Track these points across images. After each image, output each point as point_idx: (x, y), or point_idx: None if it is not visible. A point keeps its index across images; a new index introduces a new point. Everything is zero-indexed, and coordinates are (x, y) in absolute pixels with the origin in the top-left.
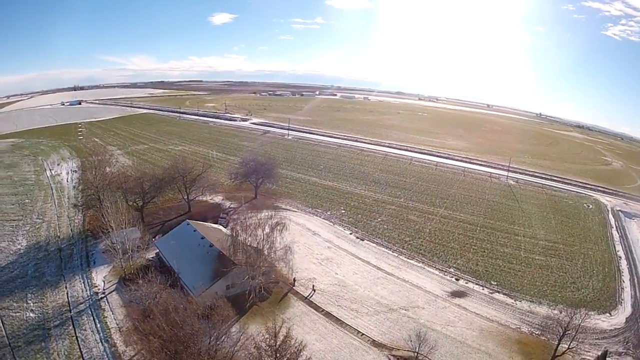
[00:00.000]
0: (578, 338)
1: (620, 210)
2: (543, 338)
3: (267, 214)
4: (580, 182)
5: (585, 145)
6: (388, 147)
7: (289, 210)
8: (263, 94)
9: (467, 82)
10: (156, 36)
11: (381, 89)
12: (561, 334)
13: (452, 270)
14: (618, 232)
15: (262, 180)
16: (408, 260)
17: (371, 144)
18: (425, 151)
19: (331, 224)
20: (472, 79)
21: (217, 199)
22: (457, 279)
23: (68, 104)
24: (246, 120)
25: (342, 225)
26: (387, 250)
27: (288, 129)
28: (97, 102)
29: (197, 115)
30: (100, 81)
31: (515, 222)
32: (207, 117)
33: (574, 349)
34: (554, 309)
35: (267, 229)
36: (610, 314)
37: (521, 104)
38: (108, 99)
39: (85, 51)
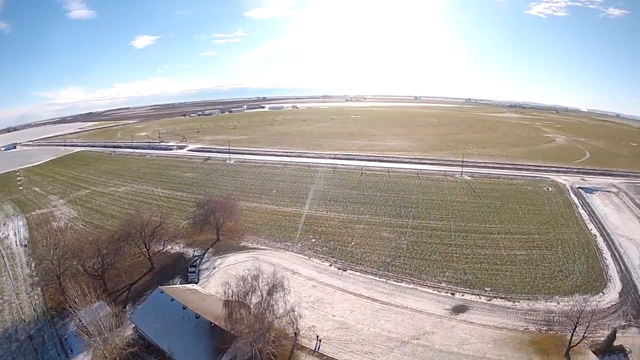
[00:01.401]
0: (591, 327)
1: (579, 187)
2: (552, 332)
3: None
4: (532, 165)
5: (523, 125)
6: (334, 158)
7: (258, 249)
8: (193, 115)
9: (391, 76)
10: (82, 66)
11: (307, 94)
12: (574, 325)
13: (445, 285)
14: (585, 210)
15: (223, 219)
16: (398, 283)
17: (315, 157)
18: (372, 157)
19: (307, 257)
20: (395, 73)
21: (178, 247)
22: (452, 294)
23: (4, 148)
24: (183, 148)
25: (318, 257)
26: (373, 277)
27: (229, 152)
28: (31, 143)
29: (132, 147)
30: (33, 119)
31: (485, 219)
32: (143, 148)
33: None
34: (551, 302)
35: (264, 294)
36: (602, 292)
37: (448, 91)
38: (41, 139)
39: (17, 89)
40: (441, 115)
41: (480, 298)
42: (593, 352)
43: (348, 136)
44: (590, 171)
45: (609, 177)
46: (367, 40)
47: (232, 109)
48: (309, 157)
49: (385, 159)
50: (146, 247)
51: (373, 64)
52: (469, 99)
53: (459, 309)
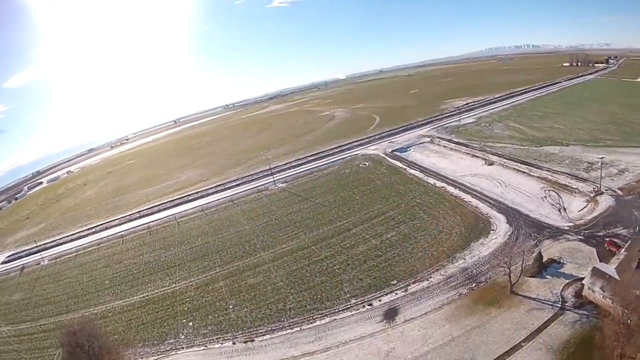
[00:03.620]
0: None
1: (393, 150)
2: (483, 284)
3: None
4: (334, 148)
5: (295, 112)
6: (140, 217)
7: None
8: None
9: (146, 108)
10: None
11: (73, 154)
12: (509, 266)
13: (355, 300)
14: (414, 169)
15: (93, 352)
16: (315, 324)
17: (122, 222)
18: (177, 201)
19: (204, 347)
20: (149, 103)
21: None
22: (370, 304)
23: None
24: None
25: (213, 340)
26: (286, 332)
27: (38, 251)
28: None
29: None
30: None
31: (331, 219)
32: None
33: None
34: (457, 261)
35: None
36: (493, 229)
37: (204, 104)
38: None
39: None
40: (211, 131)
41: (397, 294)
42: (531, 277)
43: (138, 186)
44: (392, 132)
45: (413, 130)
46: (115, 78)
47: (16, 196)
48: (115, 225)
49: (189, 197)
50: None
51: (125, 101)
52: (227, 105)
53: (391, 314)
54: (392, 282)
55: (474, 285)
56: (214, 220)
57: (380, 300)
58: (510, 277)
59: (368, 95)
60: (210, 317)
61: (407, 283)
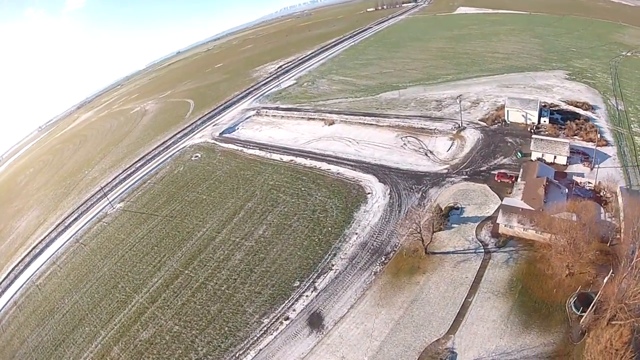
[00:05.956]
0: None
1: (221, 133)
2: (393, 253)
3: None
4: (157, 147)
5: (104, 117)
6: (2, 293)
7: None
8: None
9: None
10: None
11: None
12: (419, 231)
13: (267, 320)
14: (249, 148)
15: None
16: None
17: None
18: (27, 259)
19: None
20: None
21: None
22: (285, 319)
23: None
24: None
25: None
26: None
27: None
28: None
29: None
30: None
31: (189, 231)
32: None
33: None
34: (351, 238)
35: None
36: (371, 193)
37: (20, 133)
38: None
39: None
40: (31, 161)
41: (308, 296)
42: (437, 231)
43: None
44: (213, 113)
45: (234, 106)
46: None
47: None
48: None
49: (36, 251)
50: None
51: None
52: (40, 126)
53: (316, 321)
54: (295, 285)
55: (383, 258)
56: (71, 272)
57: (295, 310)
58: (422, 239)
59: (174, 79)
60: None
61: (311, 280)
